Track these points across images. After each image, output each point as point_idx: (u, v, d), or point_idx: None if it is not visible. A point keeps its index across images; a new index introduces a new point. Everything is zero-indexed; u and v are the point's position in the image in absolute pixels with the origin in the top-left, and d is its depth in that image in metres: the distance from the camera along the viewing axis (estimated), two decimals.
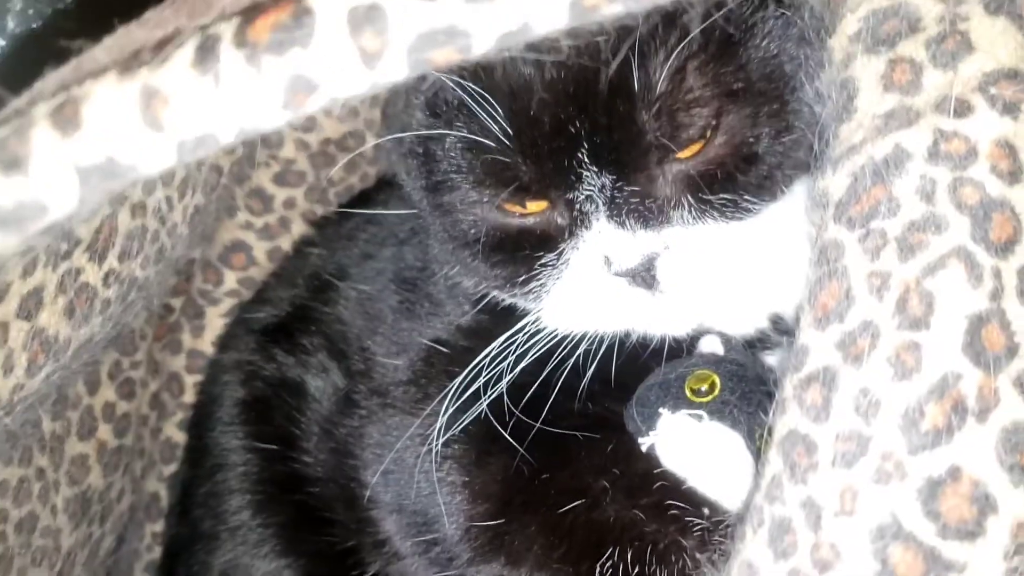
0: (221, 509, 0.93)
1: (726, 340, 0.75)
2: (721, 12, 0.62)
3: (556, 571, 0.68)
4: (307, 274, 0.98)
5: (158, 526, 1.14)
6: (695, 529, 0.64)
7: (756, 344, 0.77)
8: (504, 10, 0.42)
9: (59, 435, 0.89)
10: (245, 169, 1.00)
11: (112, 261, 0.69)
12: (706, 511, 0.66)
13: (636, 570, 0.63)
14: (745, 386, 0.71)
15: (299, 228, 1.12)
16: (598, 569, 0.65)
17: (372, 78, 0.43)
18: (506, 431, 0.72)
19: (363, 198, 1.07)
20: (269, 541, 0.89)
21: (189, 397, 1.13)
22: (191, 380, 1.12)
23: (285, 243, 1.12)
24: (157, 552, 1.14)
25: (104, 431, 0.95)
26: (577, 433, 0.71)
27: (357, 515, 0.83)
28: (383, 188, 1.01)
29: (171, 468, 1.13)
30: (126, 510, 1.07)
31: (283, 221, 1.12)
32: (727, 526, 0.64)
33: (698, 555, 0.62)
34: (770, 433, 0.54)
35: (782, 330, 0.76)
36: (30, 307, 0.62)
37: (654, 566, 0.63)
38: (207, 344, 1.13)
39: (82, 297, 0.67)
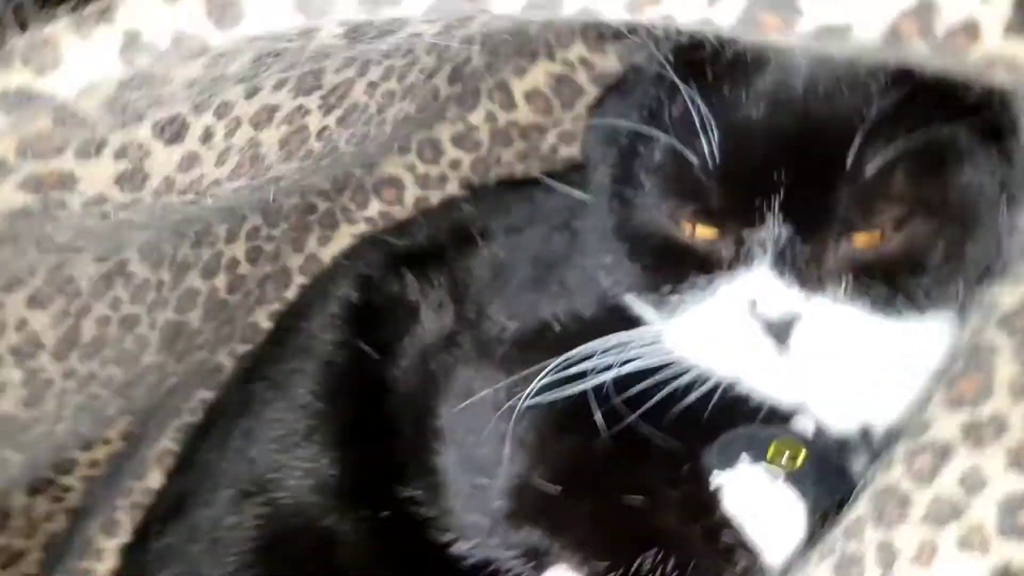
0: (287, 385, 0.97)
1: (819, 426, 0.78)
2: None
3: (592, 553, 0.70)
4: (453, 222, 1.03)
5: (209, 394, 1.18)
6: (739, 562, 0.67)
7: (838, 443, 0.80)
8: None
9: (187, 262, 0.94)
10: (443, 112, 1.05)
11: (332, 120, 0.75)
12: (750, 553, 0.68)
13: (669, 570, 0.66)
14: (825, 471, 0.74)
15: (452, 190, 1.18)
16: (636, 564, 0.68)
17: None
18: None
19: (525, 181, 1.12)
20: (322, 429, 0.92)
21: (290, 294, 1.18)
22: (299, 280, 1.17)
23: (434, 197, 1.18)
24: (196, 418, 1.18)
25: (221, 281, 1.01)
26: (659, 441, 0.74)
27: (420, 439, 0.86)
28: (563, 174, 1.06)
29: (244, 348, 1.18)
30: (196, 363, 1.12)
31: (442, 178, 1.17)
32: (763, 572, 0.66)
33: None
34: (836, 513, 0.58)
35: (866, 441, 0.79)
36: (261, 118, 0.68)
37: None
38: (327, 255, 1.18)
39: (297, 137, 0.72)
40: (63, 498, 1.21)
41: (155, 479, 1.15)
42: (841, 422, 0.79)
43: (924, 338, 0.71)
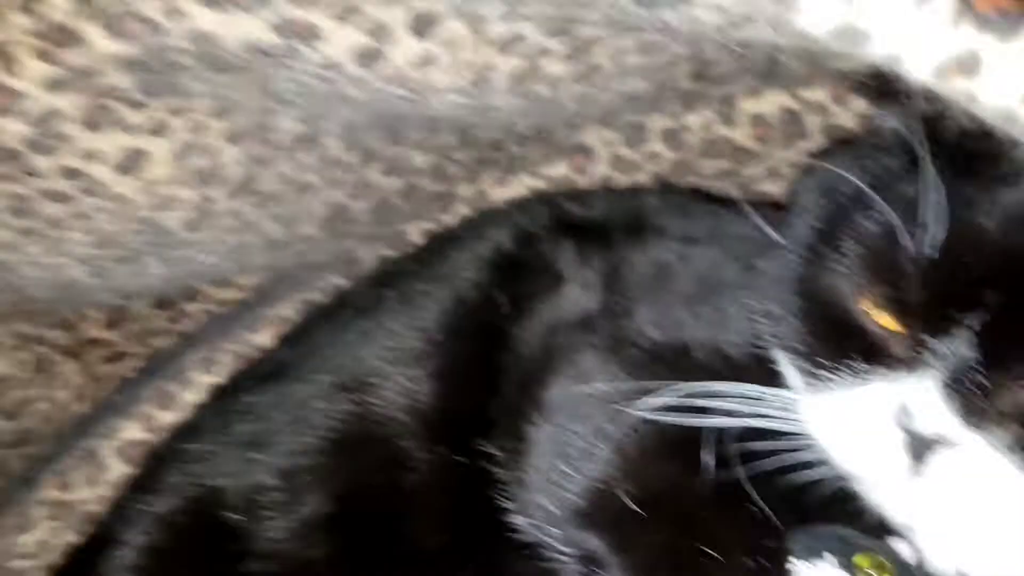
0: (415, 304, 0.98)
1: (919, 558, 0.74)
2: None
3: (651, 570, 0.68)
4: (633, 209, 1.01)
5: (341, 281, 1.20)
6: None
7: None
8: None
9: (376, 155, 0.95)
10: (665, 104, 1.03)
11: (567, 70, 0.73)
12: None
13: None
14: None
15: (640, 180, 1.16)
16: None
17: None
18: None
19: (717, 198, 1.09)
20: (432, 357, 0.93)
21: (448, 219, 1.18)
22: (461, 209, 1.17)
23: (621, 181, 1.16)
24: (322, 298, 1.20)
25: (396, 183, 1.02)
26: (755, 506, 0.71)
27: (521, 403, 0.85)
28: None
29: (388, 252, 1.19)
30: (342, 249, 1.14)
31: (636, 165, 1.15)
32: None
33: None
34: None
35: None
36: (506, 42, 0.67)
37: None
38: (496, 197, 1.17)
39: (528, 74, 0.71)
40: (179, 321, 1.26)
41: (265, 338, 1.18)
42: (942, 559, 0.75)
43: None
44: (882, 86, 0.69)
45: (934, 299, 0.66)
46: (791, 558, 0.71)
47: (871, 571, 0.70)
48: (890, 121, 0.75)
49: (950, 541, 0.73)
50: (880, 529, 0.74)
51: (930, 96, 0.62)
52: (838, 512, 0.74)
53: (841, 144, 0.88)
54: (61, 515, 1.12)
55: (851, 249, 0.71)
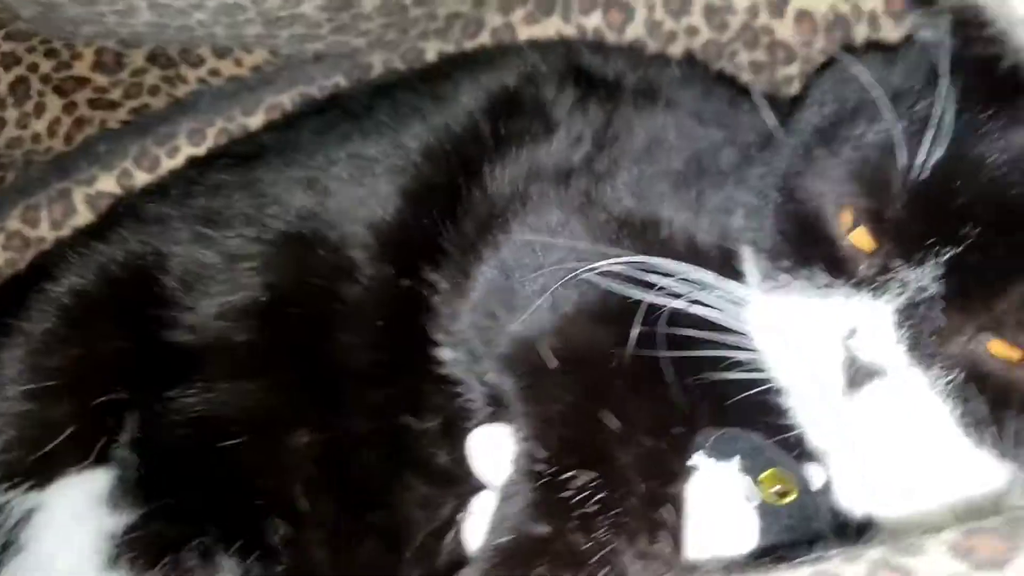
0: (403, 122, 0.94)
1: (827, 484, 0.72)
2: None
3: (542, 439, 0.66)
4: (649, 74, 0.95)
5: (345, 83, 1.16)
6: (660, 542, 0.62)
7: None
8: None
9: None
10: None
11: None
12: (675, 544, 0.63)
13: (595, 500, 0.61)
14: (799, 526, 0.68)
15: (671, 50, 1.10)
16: (569, 474, 0.63)
17: None
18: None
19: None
20: (404, 176, 0.90)
21: (469, 45, 1.13)
22: (485, 38, 1.13)
23: (650, 46, 1.10)
24: (321, 95, 1.16)
25: None
26: (673, 392, 0.68)
27: (476, 238, 0.82)
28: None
29: (401, 65, 1.15)
30: (348, 48, 1.09)
31: (671, 35, 1.09)
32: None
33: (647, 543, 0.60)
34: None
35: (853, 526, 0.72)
36: None
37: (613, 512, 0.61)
38: (524, 34, 1.13)
39: None
40: (176, 85, 1.23)
41: (258, 122, 1.15)
42: (852, 496, 0.72)
43: (978, 472, 0.64)
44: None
45: (913, 222, 0.62)
46: (698, 452, 0.69)
47: (774, 489, 0.68)
48: (926, 36, 0.69)
49: (863, 475, 0.71)
50: (798, 450, 0.71)
51: (974, 20, 0.57)
52: (763, 422, 0.71)
53: (871, 47, 0.81)
54: (18, 248, 1.12)
55: (846, 155, 0.67)
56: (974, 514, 0.53)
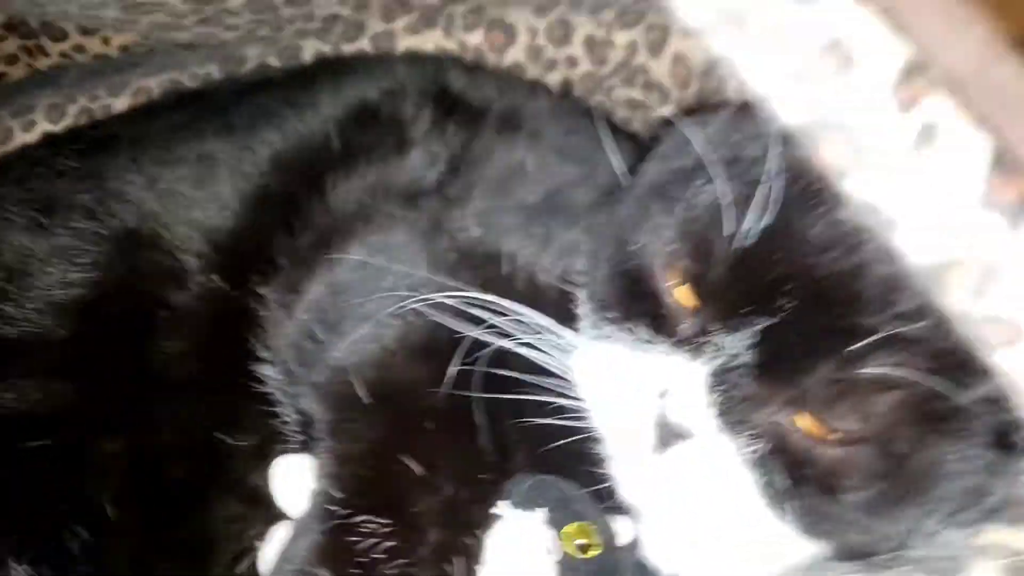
0: (257, 115, 0.93)
1: (635, 540, 0.71)
2: None
3: (330, 479, 0.64)
4: (517, 104, 0.94)
5: (219, 75, 1.12)
6: None
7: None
8: None
9: None
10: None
11: None
12: None
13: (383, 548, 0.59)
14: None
15: (551, 80, 1.08)
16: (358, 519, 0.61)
17: None
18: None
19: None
20: (247, 179, 0.88)
21: (347, 49, 1.10)
22: (365, 45, 1.09)
23: (530, 73, 1.08)
24: (194, 85, 1.12)
25: None
26: (484, 437, 0.67)
27: (310, 251, 0.80)
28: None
29: (276, 63, 1.11)
30: (218, 40, 1.05)
31: (551, 64, 1.07)
32: None
33: None
34: None
35: None
36: None
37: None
38: (401, 45, 1.09)
39: None
40: (36, 57, 1.17)
41: (122, 105, 1.10)
42: (660, 554, 0.72)
43: (784, 543, 0.64)
44: None
45: (733, 288, 0.62)
46: (504, 501, 0.67)
47: (577, 542, 0.67)
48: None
49: (671, 534, 0.70)
50: (611, 502, 0.71)
51: None
52: (580, 470, 0.70)
53: (737, 110, 0.81)
54: None
55: (678, 214, 0.66)
56: None
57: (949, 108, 0.36)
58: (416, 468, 0.63)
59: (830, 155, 0.39)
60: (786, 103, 0.40)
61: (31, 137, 1.10)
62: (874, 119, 0.38)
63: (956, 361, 0.56)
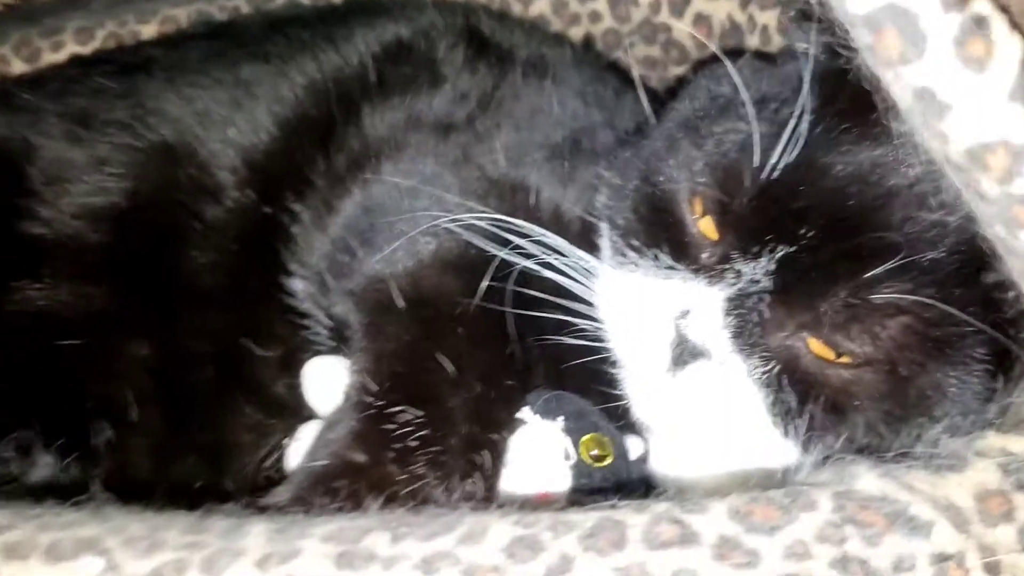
0: (292, 47, 0.95)
1: (644, 454, 0.75)
2: None
3: (376, 373, 0.67)
4: (543, 51, 0.97)
5: (245, 6, 1.14)
6: (474, 484, 0.64)
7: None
8: None
9: None
10: None
11: None
12: (489, 484, 0.65)
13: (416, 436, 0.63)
14: (614, 486, 0.71)
15: (573, 33, 1.12)
16: (396, 408, 0.65)
17: None
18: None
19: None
20: (283, 103, 0.90)
21: None
22: None
23: (551, 25, 1.12)
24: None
25: None
26: (513, 347, 0.70)
27: (345, 173, 0.84)
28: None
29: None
30: None
31: (571, 15, 1.11)
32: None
33: (460, 483, 0.62)
34: None
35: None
36: None
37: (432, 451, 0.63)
38: None
39: None
40: None
41: (151, 32, 1.13)
42: (664, 464, 0.76)
43: (777, 451, 0.67)
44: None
45: (755, 218, 0.65)
46: (526, 407, 0.71)
47: (592, 452, 0.71)
48: (800, 48, 0.72)
49: (677, 450, 0.74)
50: (623, 420, 0.75)
51: (839, 34, 0.60)
52: (595, 389, 0.74)
53: (761, 56, 0.85)
54: None
55: (707, 148, 0.70)
56: (763, 484, 0.56)
57: (993, 10, 0.41)
58: (448, 367, 0.66)
59: (891, 43, 0.43)
60: None
61: (59, 58, 1.12)
62: (933, 9, 0.42)
63: (963, 289, 0.61)
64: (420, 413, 0.64)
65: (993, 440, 0.53)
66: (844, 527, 0.49)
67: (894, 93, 0.47)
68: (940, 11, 0.42)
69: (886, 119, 0.60)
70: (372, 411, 0.64)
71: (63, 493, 0.58)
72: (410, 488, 0.61)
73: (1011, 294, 0.57)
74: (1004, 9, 0.39)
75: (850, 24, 0.46)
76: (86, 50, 1.12)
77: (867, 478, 0.52)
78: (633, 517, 0.50)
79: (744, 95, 0.69)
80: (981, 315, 0.62)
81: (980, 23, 0.41)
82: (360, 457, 0.62)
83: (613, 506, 0.52)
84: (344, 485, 0.61)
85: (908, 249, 0.61)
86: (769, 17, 0.99)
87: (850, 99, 0.67)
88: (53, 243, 0.85)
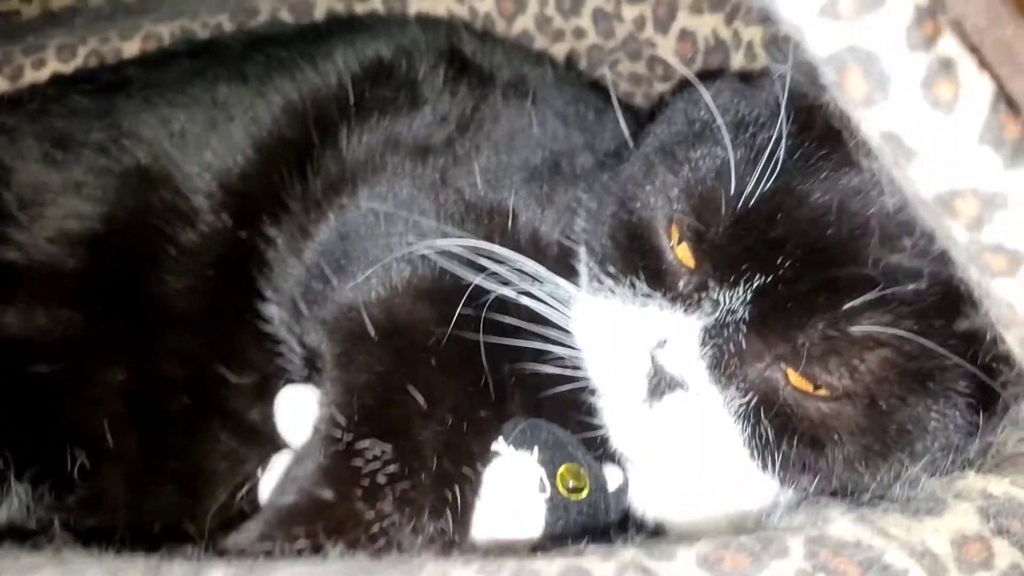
0: (271, 67, 0.94)
1: (622, 487, 0.74)
2: None
3: (343, 406, 0.66)
4: (524, 71, 0.96)
5: (230, 25, 1.14)
6: (444, 521, 0.62)
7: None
8: None
9: None
10: None
11: None
12: (460, 525, 0.64)
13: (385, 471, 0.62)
14: (592, 520, 0.69)
15: (554, 51, 1.11)
16: (361, 444, 0.63)
17: None
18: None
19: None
20: (260, 125, 0.89)
21: (359, 8, 1.12)
22: (377, 4, 1.12)
23: (534, 43, 1.11)
24: (205, 33, 1.14)
25: None
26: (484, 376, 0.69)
27: (322, 196, 0.83)
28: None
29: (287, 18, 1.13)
30: None
31: (558, 34, 1.10)
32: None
33: (430, 521, 0.61)
34: None
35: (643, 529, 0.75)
36: None
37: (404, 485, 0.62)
38: (411, 7, 1.12)
39: None
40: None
41: (133, 49, 1.13)
42: (644, 500, 0.75)
43: (754, 489, 0.67)
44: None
45: (732, 246, 0.64)
46: (500, 438, 0.70)
47: (568, 484, 0.69)
48: (779, 70, 0.71)
49: (654, 482, 0.73)
50: (601, 450, 0.73)
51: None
52: (572, 418, 0.73)
53: (731, 76, 0.84)
54: None
55: (683, 174, 0.69)
56: (737, 527, 0.55)
57: (961, 50, 0.39)
58: (419, 400, 0.65)
59: (855, 84, 0.41)
60: (816, 33, 0.42)
61: (41, 76, 1.12)
62: (898, 51, 0.40)
63: (944, 322, 0.60)
64: (389, 448, 0.62)
65: (973, 481, 0.52)
66: (816, 575, 0.48)
67: (864, 132, 0.46)
68: (906, 52, 0.40)
69: (857, 156, 0.59)
70: (340, 446, 0.63)
71: (25, 534, 0.57)
72: (378, 526, 0.60)
73: (989, 336, 0.55)
74: (974, 49, 0.38)
75: (816, 63, 0.45)
76: (68, 67, 1.12)
77: (841, 522, 0.50)
78: (599, 566, 0.49)
79: (719, 120, 0.68)
80: (962, 349, 0.60)
81: (947, 64, 0.40)
82: (327, 494, 0.61)
83: (579, 553, 0.50)
84: (311, 523, 0.59)
85: (887, 281, 0.60)
86: (754, 33, 0.98)
87: (828, 125, 0.66)
88: (27, 268, 0.85)
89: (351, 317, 0.72)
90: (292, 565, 0.50)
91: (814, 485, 0.63)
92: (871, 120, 0.44)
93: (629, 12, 1.05)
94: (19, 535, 0.56)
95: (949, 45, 0.40)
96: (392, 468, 0.62)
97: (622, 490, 0.74)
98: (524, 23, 1.10)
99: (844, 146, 0.64)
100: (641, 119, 0.87)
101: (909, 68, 0.41)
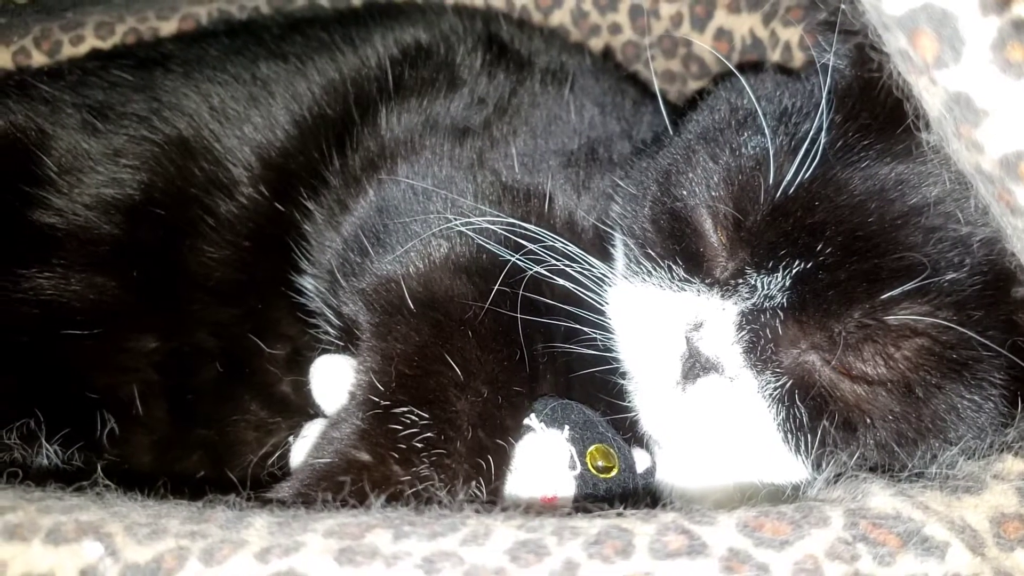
0: (311, 47, 0.95)
1: (651, 468, 0.74)
2: None
3: (383, 373, 0.67)
4: (563, 59, 0.97)
5: (265, 7, 1.15)
6: (479, 485, 0.63)
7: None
8: None
9: None
10: None
11: None
12: (494, 486, 0.65)
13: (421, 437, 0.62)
14: (619, 497, 0.70)
15: (594, 44, 1.12)
16: (401, 409, 0.64)
17: None
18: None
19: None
20: (300, 102, 0.89)
21: None
22: None
23: (573, 36, 1.12)
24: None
25: None
26: (524, 358, 0.70)
27: (360, 173, 0.83)
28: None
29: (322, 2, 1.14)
30: None
31: (594, 28, 1.11)
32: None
33: (463, 487, 0.62)
34: None
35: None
36: None
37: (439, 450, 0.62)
38: None
39: None
40: None
41: (170, 28, 1.15)
42: (671, 477, 0.75)
43: (787, 468, 0.67)
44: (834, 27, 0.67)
45: (771, 232, 0.65)
46: (533, 414, 0.70)
47: (597, 463, 0.70)
48: (823, 61, 0.72)
49: (684, 463, 0.74)
50: (631, 433, 0.74)
51: (867, 43, 0.59)
52: (603, 400, 0.74)
53: (773, 68, 0.85)
54: None
55: (724, 161, 0.69)
56: (773, 499, 0.55)
57: None
58: (456, 371, 0.65)
59: (927, 45, 0.42)
60: None
61: (78, 51, 1.14)
62: (971, 12, 0.41)
63: (982, 313, 0.60)
64: (426, 415, 0.63)
65: (1012, 464, 0.52)
66: (856, 545, 0.48)
67: (925, 102, 0.47)
68: (978, 14, 0.41)
69: (916, 129, 0.60)
70: (378, 411, 0.63)
71: (67, 479, 0.57)
72: (413, 489, 0.60)
73: None
74: None
75: (884, 27, 0.46)
76: (106, 45, 1.13)
77: (881, 496, 0.51)
78: (640, 526, 0.49)
79: (759, 109, 0.69)
80: (1000, 339, 0.61)
81: (1020, 27, 0.40)
82: (364, 456, 0.61)
83: (620, 514, 0.51)
84: (347, 482, 0.60)
85: (927, 270, 0.60)
86: (791, 33, 0.99)
87: (873, 114, 0.66)
88: (65, 233, 0.85)
89: (390, 289, 0.72)
90: (334, 515, 0.51)
91: (851, 463, 0.63)
92: (940, 82, 0.44)
93: (667, 9, 1.06)
94: (62, 479, 0.56)
95: (1022, 8, 0.41)
96: (428, 434, 0.63)
97: (649, 473, 0.74)
98: (560, 16, 1.11)
99: (889, 136, 0.65)
100: (679, 112, 0.88)
101: (982, 30, 0.41)
